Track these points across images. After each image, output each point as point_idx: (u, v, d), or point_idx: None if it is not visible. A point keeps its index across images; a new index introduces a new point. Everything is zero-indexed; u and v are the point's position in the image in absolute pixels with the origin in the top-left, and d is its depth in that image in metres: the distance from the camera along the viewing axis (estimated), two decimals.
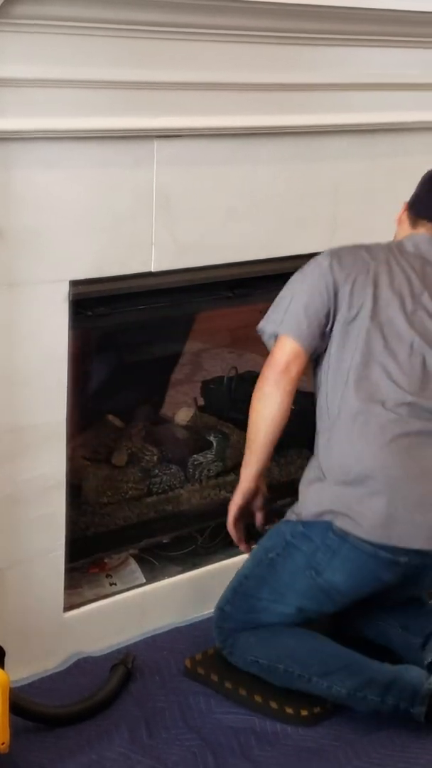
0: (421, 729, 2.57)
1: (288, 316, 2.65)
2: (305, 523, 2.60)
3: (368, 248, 2.72)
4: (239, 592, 2.70)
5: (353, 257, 2.68)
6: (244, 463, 2.74)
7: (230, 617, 2.71)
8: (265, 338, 2.72)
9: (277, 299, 2.72)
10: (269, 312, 2.72)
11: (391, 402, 2.56)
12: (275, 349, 2.67)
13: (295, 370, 2.62)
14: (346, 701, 2.58)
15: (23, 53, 2.38)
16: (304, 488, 2.67)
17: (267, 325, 2.71)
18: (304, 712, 2.61)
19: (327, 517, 2.55)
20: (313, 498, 2.61)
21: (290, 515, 2.68)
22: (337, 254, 2.70)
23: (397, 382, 2.57)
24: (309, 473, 2.68)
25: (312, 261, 2.72)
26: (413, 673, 2.55)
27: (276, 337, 2.67)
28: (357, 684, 2.55)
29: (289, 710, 2.61)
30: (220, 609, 2.73)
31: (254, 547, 2.77)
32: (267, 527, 2.80)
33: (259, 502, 2.80)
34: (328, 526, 2.55)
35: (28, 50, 2.39)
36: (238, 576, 2.73)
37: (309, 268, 2.70)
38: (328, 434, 2.63)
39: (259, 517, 2.83)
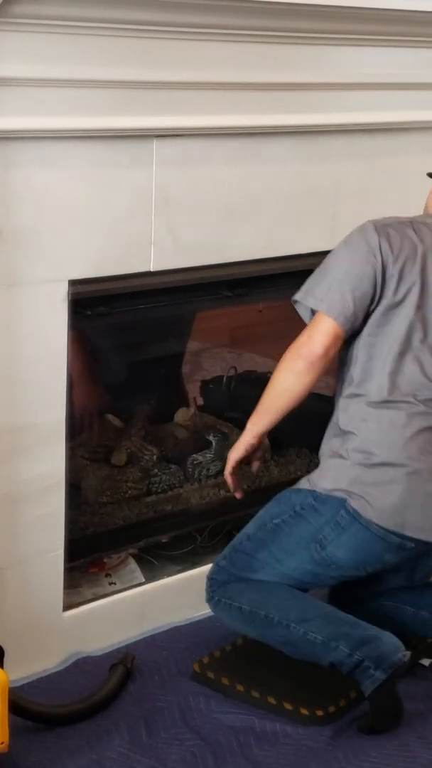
0: (421, 728, 2.57)
1: (332, 295, 2.56)
2: (317, 497, 2.60)
3: (414, 226, 2.62)
4: (238, 550, 2.71)
5: (401, 236, 2.58)
6: (252, 420, 2.71)
7: (224, 570, 2.72)
8: (301, 310, 2.64)
9: (320, 271, 2.62)
10: (310, 283, 2.61)
11: (422, 396, 2.57)
12: (315, 328, 2.57)
13: (332, 352, 2.58)
14: (317, 651, 2.58)
15: (22, 52, 2.38)
16: (324, 460, 2.67)
17: (307, 299, 2.60)
18: (319, 713, 2.60)
19: (341, 495, 2.56)
20: (333, 474, 2.60)
21: (304, 483, 2.66)
22: (385, 231, 2.59)
23: (429, 376, 2.58)
24: (331, 444, 2.66)
25: (358, 234, 2.61)
26: (390, 639, 2.55)
27: (313, 311, 2.60)
28: (333, 633, 2.56)
29: (304, 711, 2.60)
30: (216, 564, 2.75)
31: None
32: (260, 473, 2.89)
33: (259, 453, 2.81)
34: (342, 504, 2.56)
35: (27, 49, 2.38)
36: (240, 535, 2.73)
37: (355, 241, 2.60)
38: (353, 413, 2.62)
39: (255, 465, 2.85)
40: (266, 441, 2.84)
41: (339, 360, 2.68)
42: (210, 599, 2.74)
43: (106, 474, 3.11)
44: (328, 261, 2.63)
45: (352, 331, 2.59)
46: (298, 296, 2.63)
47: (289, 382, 2.60)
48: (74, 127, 2.51)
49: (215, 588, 2.73)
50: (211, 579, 2.74)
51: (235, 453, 2.75)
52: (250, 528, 2.73)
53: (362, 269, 2.56)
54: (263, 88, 2.81)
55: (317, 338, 2.56)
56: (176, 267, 2.81)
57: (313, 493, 2.62)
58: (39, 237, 2.53)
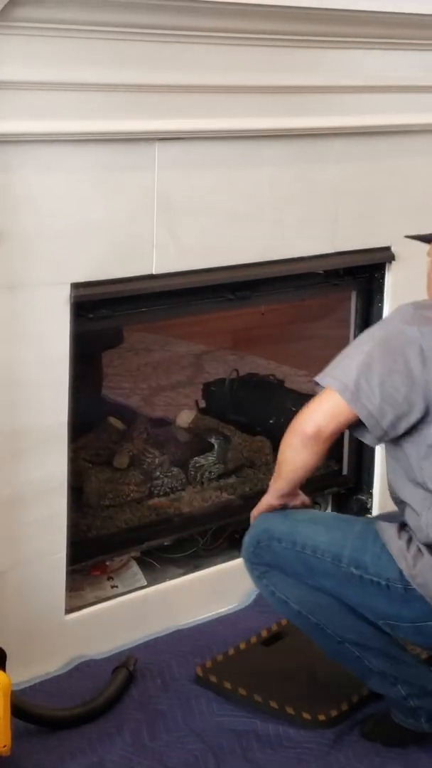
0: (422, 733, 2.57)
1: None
2: (408, 589, 2.36)
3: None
4: (300, 553, 2.43)
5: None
6: (273, 478, 2.52)
7: (277, 556, 2.45)
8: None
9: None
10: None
11: None
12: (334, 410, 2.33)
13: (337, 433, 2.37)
14: (369, 677, 2.51)
15: (24, 56, 2.38)
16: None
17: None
18: (321, 717, 2.59)
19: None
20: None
21: (400, 556, 2.36)
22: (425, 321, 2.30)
23: None
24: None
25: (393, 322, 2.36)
26: None
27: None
28: (394, 671, 2.47)
29: (306, 715, 2.60)
30: (273, 539, 2.45)
31: None
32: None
33: (297, 503, 2.57)
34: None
35: (29, 53, 2.39)
36: (305, 537, 2.43)
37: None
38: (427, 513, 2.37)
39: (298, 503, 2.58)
40: (303, 496, 2.57)
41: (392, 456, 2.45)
42: (253, 570, 2.50)
43: (108, 477, 3.11)
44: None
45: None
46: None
47: (293, 460, 2.43)
48: (76, 130, 2.51)
49: (262, 563, 2.47)
50: (258, 552, 2.47)
51: (256, 511, 2.55)
52: (321, 540, 2.43)
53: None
54: (265, 91, 2.81)
55: (325, 421, 2.35)
56: (178, 270, 2.81)
57: (405, 583, 2.35)
58: (41, 240, 2.53)
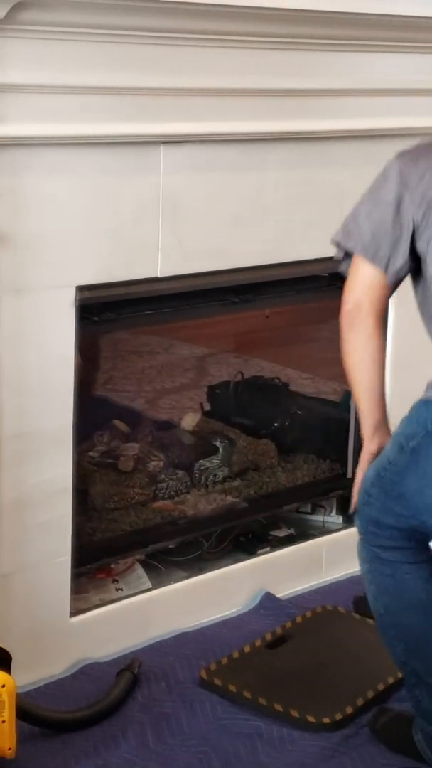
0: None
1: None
2: None
3: None
4: (382, 476, 2.34)
5: None
6: (360, 424, 2.42)
7: (373, 502, 2.35)
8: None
9: None
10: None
11: None
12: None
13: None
14: (418, 708, 2.45)
15: (30, 59, 2.39)
16: None
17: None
18: (326, 720, 2.59)
19: None
20: None
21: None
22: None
23: None
24: None
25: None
26: None
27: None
28: None
29: (311, 718, 2.59)
30: (366, 492, 2.35)
31: None
32: None
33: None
34: None
35: (34, 56, 2.39)
36: (382, 460, 2.35)
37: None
38: None
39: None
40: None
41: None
42: (361, 534, 2.40)
43: (113, 480, 3.11)
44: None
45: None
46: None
47: (345, 357, 2.35)
48: (81, 133, 2.52)
49: (366, 524, 2.37)
50: (361, 512, 2.38)
51: (359, 469, 2.41)
52: (388, 451, 2.34)
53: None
54: (270, 95, 2.82)
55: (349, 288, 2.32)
56: (183, 273, 2.81)
57: None
58: (46, 243, 2.53)
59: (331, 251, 2.92)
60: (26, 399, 2.59)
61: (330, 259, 3.11)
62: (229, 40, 2.66)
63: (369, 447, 2.39)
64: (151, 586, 3.01)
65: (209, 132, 2.74)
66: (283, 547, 3.24)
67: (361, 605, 3.10)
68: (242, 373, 3.64)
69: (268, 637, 2.91)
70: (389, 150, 3.14)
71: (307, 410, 3.56)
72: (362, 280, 2.31)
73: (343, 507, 3.45)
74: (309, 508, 3.44)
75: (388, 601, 2.39)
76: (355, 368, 2.34)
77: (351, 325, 2.32)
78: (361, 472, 2.40)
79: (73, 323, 2.62)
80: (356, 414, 2.46)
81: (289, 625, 2.96)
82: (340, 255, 2.39)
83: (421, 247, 2.27)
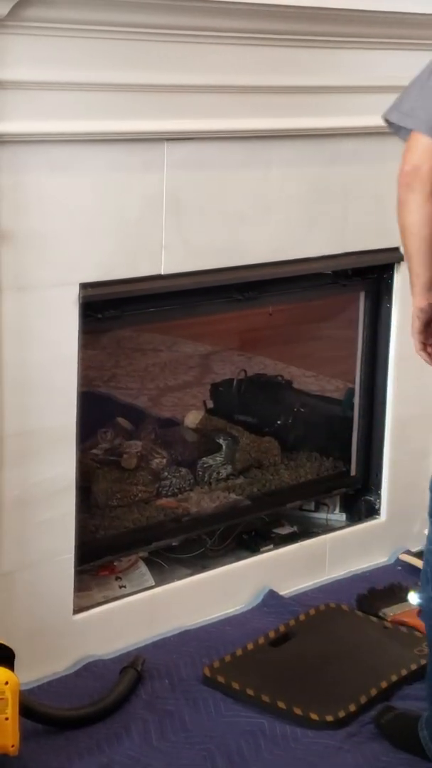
0: None
1: None
2: None
3: None
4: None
5: None
6: (411, 283, 2.42)
7: None
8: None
9: None
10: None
11: None
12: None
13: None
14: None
15: (33, 56, 2.39)
16: None
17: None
18: (329, 718, 2.59)
19: None
20: None
21: None
22: None
23: None
24: None
25: None
26: None
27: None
28: None
29: (314, 716, 2.59)
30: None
31: None
32: None
33: None
34: None
35: (37, 53, 2.39)
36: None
37: None
38: None
39: None
40: None
41: None
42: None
43: (117, 477, 3.11)
44: None
45: None
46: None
47: (400, 218, 2.36)
48: (84, 130, 2.51)
49: None
50: None
51: (413, 327, 2.42)
52: None
53: None
54: (274, 92, 2.81)
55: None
56: (187, 270, 2.81)
57: None
58: (49, 240, 2.53)
59: (334, 248, 2.94)
60: (29, 397, 2.59)
61: (333, 256, 3.13)
62: (233, 38, 2.66)
63: (419, 302, 2.40)
64: (154, 584, 3.01)
65: (213, 129, 2.73)
66: (286, 545, 3.24)
67: (364, 603, 3.10)
68: (245, 371, 3.64)
69: (272, 634, 2.91)
70: (393, 148, 3.14)
71: (311, 408, 3.56)
72: (422, 146, 2.33)
73: (346, 505, 3.45)
74: (312, 506, 3.44)
75: None
76: (409, 229, 2.35)
77: (408, 185, 2.33)
78: (413, 327, 2.41)
79: (76, 321, 2.61)
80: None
81: (292, 622, 2.96)
82: (392, 129, 2.43)
83: None
